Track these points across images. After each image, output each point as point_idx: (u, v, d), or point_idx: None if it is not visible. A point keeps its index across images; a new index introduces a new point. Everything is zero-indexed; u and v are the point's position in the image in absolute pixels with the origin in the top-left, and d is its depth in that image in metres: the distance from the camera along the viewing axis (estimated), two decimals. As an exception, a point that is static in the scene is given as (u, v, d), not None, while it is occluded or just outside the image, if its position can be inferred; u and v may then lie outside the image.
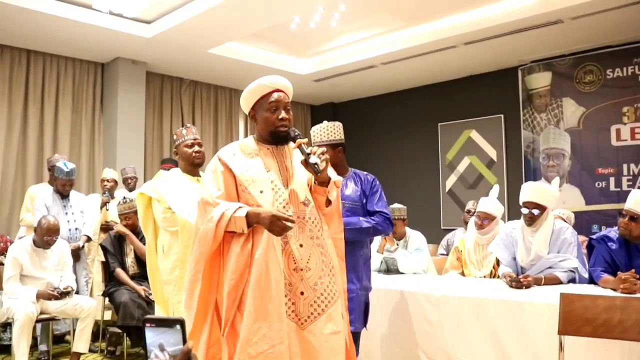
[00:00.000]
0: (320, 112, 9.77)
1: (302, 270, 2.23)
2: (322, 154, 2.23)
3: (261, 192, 2.25)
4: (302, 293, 2.22)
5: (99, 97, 7.34)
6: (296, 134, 2.31)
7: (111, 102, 7.20)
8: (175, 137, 3.36)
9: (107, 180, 6.05)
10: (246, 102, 2.39)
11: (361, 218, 3.15)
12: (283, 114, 2.31)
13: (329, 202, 2.40)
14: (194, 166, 3.29)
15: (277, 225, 2.09)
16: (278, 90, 2.34)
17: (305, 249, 2.26)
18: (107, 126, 7.29)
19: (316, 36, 7.17)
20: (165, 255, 3.11)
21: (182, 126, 3.40)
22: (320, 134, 3.24)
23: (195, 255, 2.22)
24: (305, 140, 2.27)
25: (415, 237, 4.58)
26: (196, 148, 3.27)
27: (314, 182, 2.35)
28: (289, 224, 2.10)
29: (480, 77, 7.81)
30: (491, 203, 4.23)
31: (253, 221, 2.15)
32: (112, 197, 5.89)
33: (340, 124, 3.29)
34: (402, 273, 4.33)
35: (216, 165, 2.31)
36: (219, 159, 2.32)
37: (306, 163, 2.24)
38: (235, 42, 7.00)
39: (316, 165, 2.20)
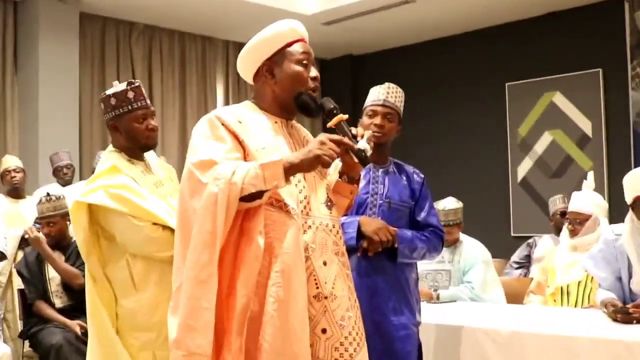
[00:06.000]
0: (334, 67, 9.75)
1: (325, 298, 2.24)
2: (370, 137, 2.28)
3: None
4: (323, 331, 2.24)
5: (10, 49, 7.34)
6: (333, 105, 2.34)
7: (29, 57, 7.21)
8: (113, 101, 3.02)
9: (14, 171, 6.04)
10: (266, 48, 2.39)
11: (413, 233, 3.18)
12: (315, 72, 2.38)
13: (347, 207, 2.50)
14: (145, 149, 3.09)
15: (326, 150, 2.09)
16: (304, 41, 2.42)
17: (329, 268, 2.28)
18: (23, 91, 7.30)
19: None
20: (137, 289, 2.96)
21: (127, 84, 3.13)
22: (394, 95, 3.22)
23: (197, 244, 2.06)
24: (346, 116, 2.30)
25: (471, 249, 4.61)
26: (150, 122, 3.04)
27: (341, 178, 2.43)
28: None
29: (567, 14, 7.67)
30: (583, 198, 4.23)
31: (293, 169, 2.12)
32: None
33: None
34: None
35: (217, 127, 2.23)
36: (222, 122, 2.25)
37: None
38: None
39: (364, 153, 2.23)
